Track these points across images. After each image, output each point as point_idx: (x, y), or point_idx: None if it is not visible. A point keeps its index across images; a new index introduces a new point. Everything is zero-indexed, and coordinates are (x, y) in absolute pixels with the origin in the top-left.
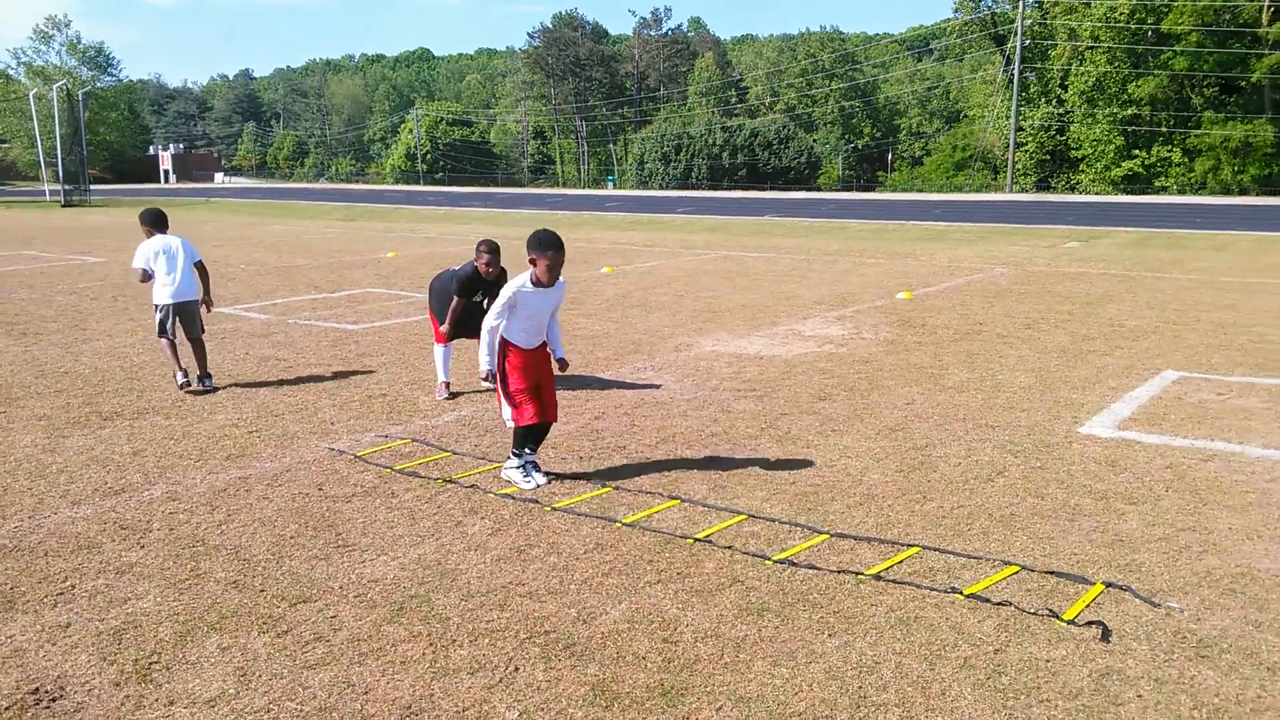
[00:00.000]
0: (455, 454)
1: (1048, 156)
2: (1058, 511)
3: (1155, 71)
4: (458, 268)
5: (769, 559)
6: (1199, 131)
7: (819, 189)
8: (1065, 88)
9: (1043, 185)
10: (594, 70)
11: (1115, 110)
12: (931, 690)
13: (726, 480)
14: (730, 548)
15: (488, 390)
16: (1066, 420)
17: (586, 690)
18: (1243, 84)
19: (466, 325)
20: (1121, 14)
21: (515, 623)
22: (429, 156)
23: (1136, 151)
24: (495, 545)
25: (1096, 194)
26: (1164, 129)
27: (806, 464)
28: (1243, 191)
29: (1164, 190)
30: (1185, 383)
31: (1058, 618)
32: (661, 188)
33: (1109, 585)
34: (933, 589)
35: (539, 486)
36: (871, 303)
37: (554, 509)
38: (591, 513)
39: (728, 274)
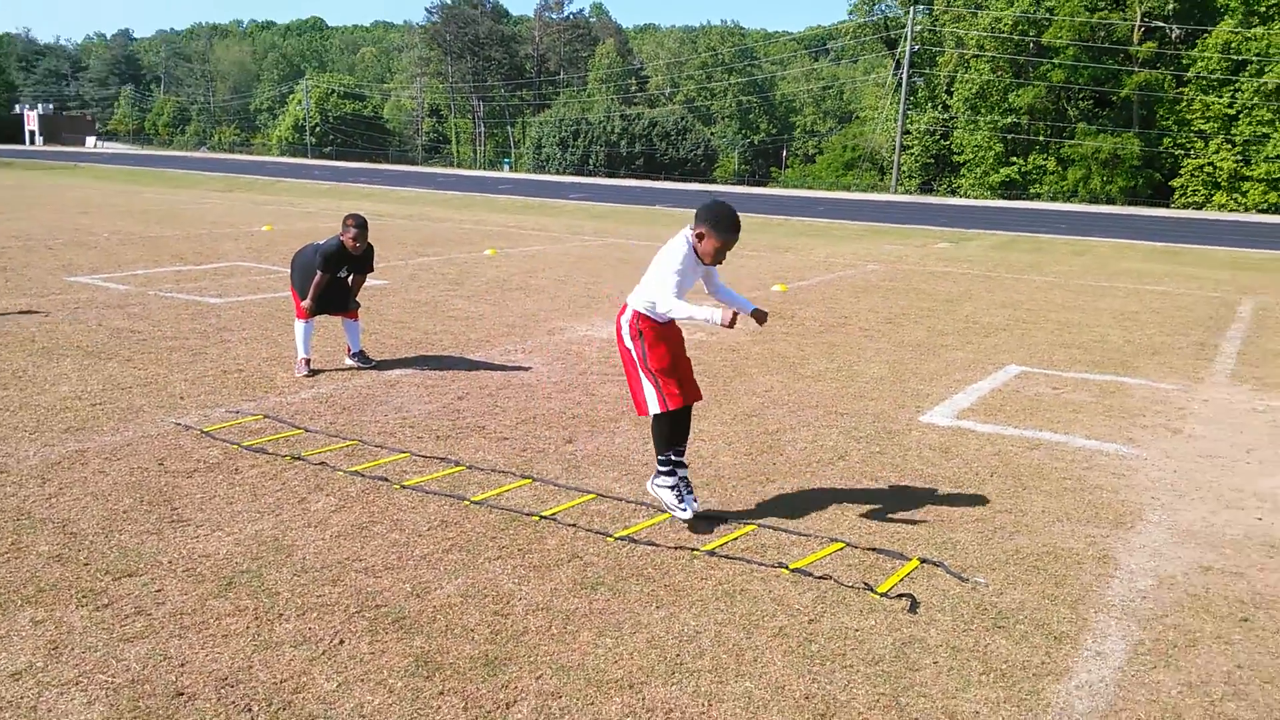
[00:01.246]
0: (308, 431)
1: (932, 160)
2: (888, 494)
3: (1035, 82)
4: (322, 242)
5: (611, 536)
6: (1073, 142)
7: (715, 181)
8: (951, 94)
9: (926, 188)
10: (493, 50)
11: (996, 118)
12: (745, 657)
13: (581, 461)
14: (574, 525)
15: (349, 369)
16: (910, 409)
17: (410, 662)
18: (1114, 98)
19: (330, 301)
20: (1006, 25)
21: (346, 597)
22: (318, 129)
23: (1014, 159)
24: (337, 522)
25: (975, 198)
26: (1041, 138)
27: None
28: (1110, 200)
29: (1038, 197)
30: (1025, 377)
31: (872, 590)
32: (558, 173)
33: (924, 561)
34: (761, 564)
35: (694, 517)
36: (747, 294)
37: (403, 487)
38: (441, 490)
39: (613, 261)
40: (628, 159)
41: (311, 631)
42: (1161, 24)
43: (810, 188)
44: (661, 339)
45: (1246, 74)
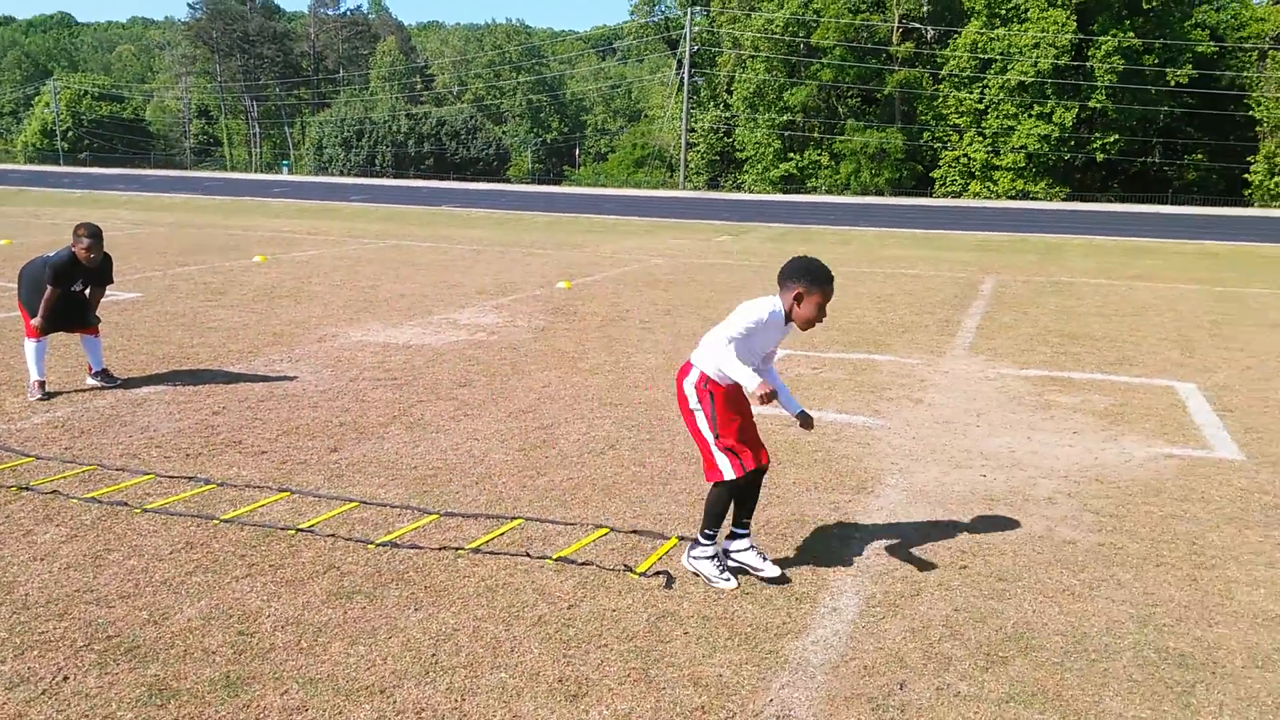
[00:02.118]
0: (40, 459)
1: (718, 157)
2: (654, 478)
3: (806, 81)
4: (52, 254)
5: (372, 543)
6: (843, 138)
7: (509, 180)
8: (731, 93)
9: (713, 184)
10: (265, 47)
11: (774, 116)
12: (502, 649)
13: (345, 469)
14: (333, 535)
15: (91, 389)
16: None
17: (142, 691)
18: (878, 96)
19: (65, 318)
20: (777, 26)
21: (74, 631)
22: (70, 134)
23: (791, 154)
24: (67, 553)
25: (758, 193)
26: (815, 134)
27: (432, 449)
28: (878, 192)
29: (815, 190)
30: (788, 359)
31: (631, 571)
32: (343, 174)
33: (681, 539)
34: (526, 556)
35: (737, 587)
36: (531, 292)
37: (145, 510)
38: (187, 511)
39: (393, 263)
40: (416, 159)
41: (31, 671)
42: (918, 25)
43: (603, 185)
44: (731, 403)
45: (993, 71)
